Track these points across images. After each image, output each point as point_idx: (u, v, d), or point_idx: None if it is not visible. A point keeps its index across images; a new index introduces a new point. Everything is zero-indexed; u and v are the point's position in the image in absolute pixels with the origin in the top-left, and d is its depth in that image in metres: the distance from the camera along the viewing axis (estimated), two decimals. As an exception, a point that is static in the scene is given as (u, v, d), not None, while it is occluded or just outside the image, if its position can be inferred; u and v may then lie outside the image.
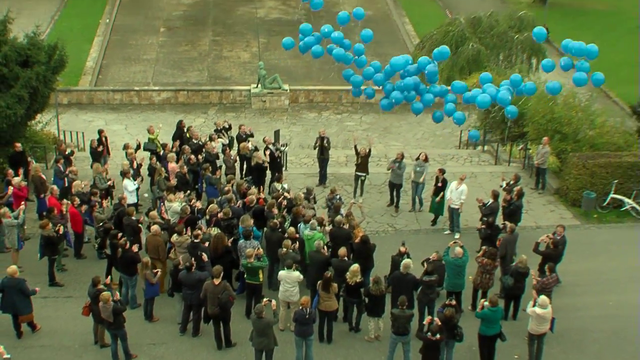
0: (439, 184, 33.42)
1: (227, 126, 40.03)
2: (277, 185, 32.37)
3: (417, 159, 35.82)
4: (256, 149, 36.12)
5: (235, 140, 39.05)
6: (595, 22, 78.47)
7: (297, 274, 25.49)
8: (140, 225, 29.20)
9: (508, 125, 43.65)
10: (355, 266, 25.01)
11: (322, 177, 38.33)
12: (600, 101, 49.42)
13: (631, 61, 57.98)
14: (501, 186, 33.24)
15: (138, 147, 37.34)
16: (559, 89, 28.40)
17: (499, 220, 30.82)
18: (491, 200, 31.18)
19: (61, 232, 28.42)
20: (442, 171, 34.11)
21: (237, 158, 36.43)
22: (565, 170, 37.66)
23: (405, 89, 28.09)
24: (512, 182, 33.26)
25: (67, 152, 36.03)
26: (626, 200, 35.36)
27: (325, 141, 37.77)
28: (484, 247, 27.55)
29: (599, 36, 66.93)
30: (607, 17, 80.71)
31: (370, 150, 35.92)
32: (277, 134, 41.12)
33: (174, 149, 36.00)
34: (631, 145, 39.33)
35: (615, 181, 35.50)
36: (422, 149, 39.86)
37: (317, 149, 38.16)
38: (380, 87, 29.51)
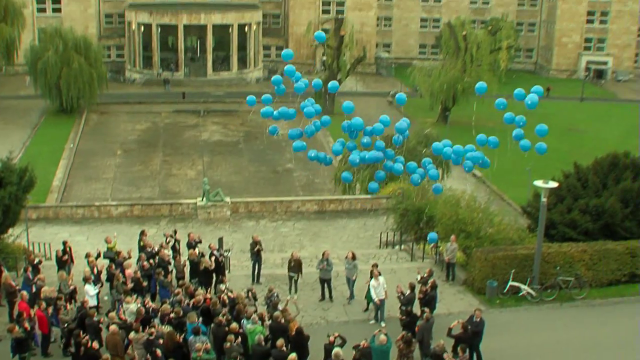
0: (375, 276, 33.36)
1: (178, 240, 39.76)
2: (222, 286, 32.00)
3: (346, 257, 35.86)
4: (203, 255, 35.80)
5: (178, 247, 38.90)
6: (489, 137, 79.57)
7: (241, 365, 25.09)
8: (100, 325, 28.62)
9: (420, 226, 43.83)
10: (293, 355, 24.58)
11: (257, 277, 38.02)
12: (496, 203, 50.13)
13: (519, 169, 58.74)
14: (417, 279, 33.17)
15: (98, 255, 37.03)
16: (440, 190, 29.26)
17: (417, 309, 30.74)
18: (409, 292, 31.13)
19: (28, 329, 27.76)
20: (376, 265, 34.05)
21: (187, 263, 35.97)
22: (470, 264, 37.76)
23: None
24: (426, 276, 33.27)
25: (35, 262, 35.39)
26: (522, 286, 35.47)
27: (258, 245, 37.61)
28: (402, 333, 27.39)
29: (492, 148, 67.81)
30: (496, 132, 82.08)
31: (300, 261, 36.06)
32: (220, 241, 41.16)
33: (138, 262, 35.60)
34: (524, 240, 39.79)
35: (513, 270, 35.59)
36: (348, 250, 39.70)
37: (252, 252, 37.92)
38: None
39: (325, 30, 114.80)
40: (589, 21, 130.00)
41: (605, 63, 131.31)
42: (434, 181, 28.26)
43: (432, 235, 29.36)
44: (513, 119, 26.04)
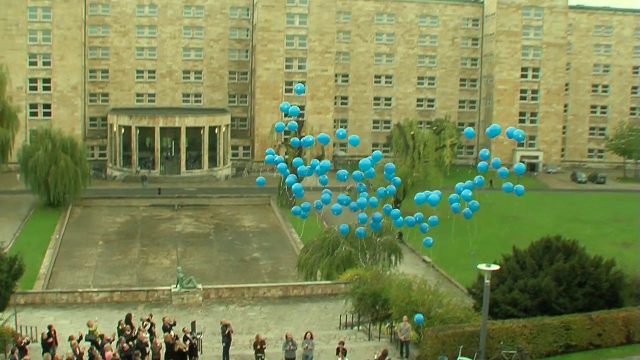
0: (340, 353, 33.09)
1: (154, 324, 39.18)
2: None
3: (305, 337, 35.57)
4: (177, 338, 35.19)
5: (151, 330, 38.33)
6: (435, 226, 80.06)
7: None
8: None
9: (376, 308, 43.55)
10: None
11: (227, 358, 37.42)
12: (445, 285, 50.12)
13: (465, 254, 58.91)
14: (374, 358, 32.84)
15: (80, 338, 36.29)
16: (431, 244, 28.94)
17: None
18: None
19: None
20: (342, 342, 34.16)
21: (162, 345, 35.31)
22: (422, 341, 37.41)
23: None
24: (381, 355, 32.98)
25: (22, 344, 34.61)
26: (462, 360, 35.29)
27: (229, 328, 37.13)
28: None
29: (442, 235, 68.08)
30: (443, 221, 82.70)
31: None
32: (193, 324, 40.69)
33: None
34: (470, 318, 39.65)
35: (461, 346, 35.32)
36: (310, 331, 39.32)
37: (222, 334, 37.41)
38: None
39: (287, 132, 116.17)
40: (521, 121, 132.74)
41: (536, 157, 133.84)
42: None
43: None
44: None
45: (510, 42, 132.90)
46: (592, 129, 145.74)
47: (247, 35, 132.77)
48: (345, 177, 26.08)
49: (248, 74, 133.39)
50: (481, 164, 26.04)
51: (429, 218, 26.92)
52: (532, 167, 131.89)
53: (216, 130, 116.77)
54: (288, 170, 26.86)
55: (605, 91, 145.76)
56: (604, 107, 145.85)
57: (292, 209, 26.96)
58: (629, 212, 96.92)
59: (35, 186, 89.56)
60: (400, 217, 27.08)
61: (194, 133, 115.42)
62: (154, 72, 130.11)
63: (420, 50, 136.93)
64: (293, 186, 26.33)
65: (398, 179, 27.91)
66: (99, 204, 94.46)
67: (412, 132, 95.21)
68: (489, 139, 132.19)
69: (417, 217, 27.03)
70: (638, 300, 41.91)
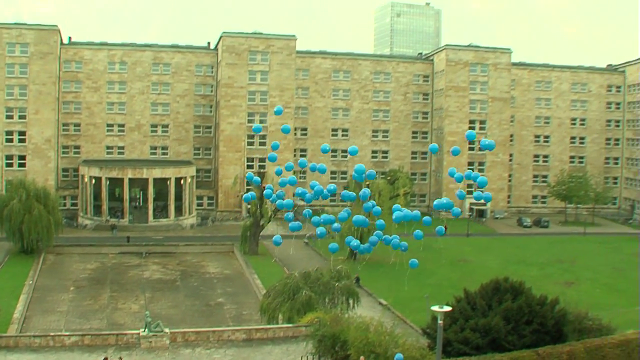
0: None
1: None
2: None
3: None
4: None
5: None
6: (391, 270, 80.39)
7: None
8: None
9: (336, 349, 43.26)
10: None
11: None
12: (400, 327, 49.95)
13: (419, 296, 59.02)
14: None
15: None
16: (416, 265, 27.52)
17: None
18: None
19: None
20: None
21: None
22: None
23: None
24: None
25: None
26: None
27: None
28: None
29: (395, 280, 68.34)
30: (398, 266, 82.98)
31: None
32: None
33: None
34: (425, 357, 39.49)
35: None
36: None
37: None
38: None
39: (249, 183, 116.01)
40: (469, 169, 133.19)
41: (484, 204, 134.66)
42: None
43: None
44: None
45: (459, 97, 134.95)
46: (535, 176, 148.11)
47: (212, 91, 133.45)
48: (301, 223, 25.67)
49: (212, 128, 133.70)
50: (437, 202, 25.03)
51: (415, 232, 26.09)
52: (480, 214, 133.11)
53: (182, 182, 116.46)
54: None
55: (547, 141, 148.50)
56: (545, 156, 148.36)
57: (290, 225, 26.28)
58: (571, 254, 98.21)
59: (10, 234, 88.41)
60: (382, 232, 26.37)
61: (161, 184, 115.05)
62: (123, 125, 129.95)
63: (374, 105, 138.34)
64: (274, 238, 26.15)
65: (373, 172, 26.99)
66: (70, 252, 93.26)
67: (367, 183, 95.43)
68: (440, 187, 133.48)
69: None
70: (581, 335, 42.23)
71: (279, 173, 29.05)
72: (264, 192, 27.04)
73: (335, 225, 25.51)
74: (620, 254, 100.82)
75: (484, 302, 41.95)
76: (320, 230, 25.90)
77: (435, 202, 25.32)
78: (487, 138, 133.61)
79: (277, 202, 25.42)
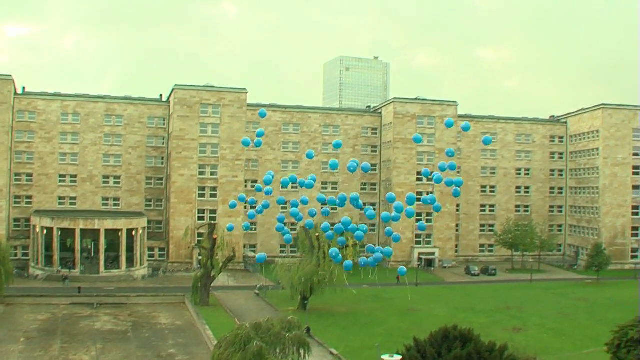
0: None
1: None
2: None
3: None
4: None
5: None
6: (341, 320, 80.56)
7: None
8: None
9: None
10: None
11: None
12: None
13: (370, 345, 59.00)
14: None
15: None
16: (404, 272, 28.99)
17: None
18: None
19: None
20: None
21: None
22: None
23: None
24: None
25: None
26: None
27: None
28: None
29: (346, 329, 68.37)
30: (348, 316, 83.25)
31: None
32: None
33: None
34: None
35: None
36: None
37: None
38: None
39: (200, 234, 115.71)
40: (418, 220, 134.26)
41: (433, 254, 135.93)
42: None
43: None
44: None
45: (406, 149, 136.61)
46: (482, 226, 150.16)
47: (163, 143, 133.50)
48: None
49: (164, 180, 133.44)
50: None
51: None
52: (429, 263, 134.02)
53: (133, 233, 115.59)
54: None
55: (493, 191, 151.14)
56: (492, 206, 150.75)
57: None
58: (519, 300, 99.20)
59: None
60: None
61: (112, 235, 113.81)
62: (75, 176, 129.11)
63: (324, 157, 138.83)
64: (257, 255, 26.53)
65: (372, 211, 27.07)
66: (21, 302, 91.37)
67: (317, 234, 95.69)
68: (389, 238, 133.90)
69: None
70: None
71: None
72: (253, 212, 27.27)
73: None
74: (566, 299, 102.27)
75: (434, 350, 42.15)
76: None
77: (388, 195, 25.65)
78: (435, 188, 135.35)
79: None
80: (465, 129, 28.07)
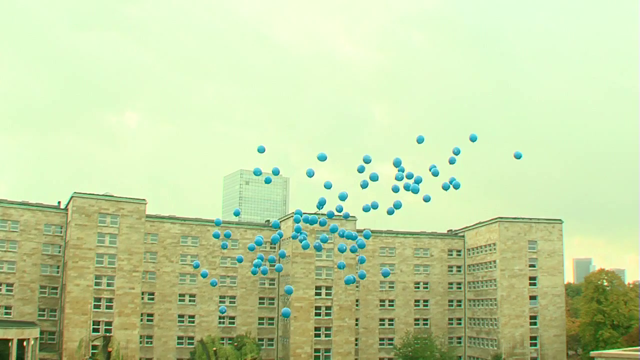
0: None
1: None
2: None
3: None
4: None
5: None
6: None
7: None
8: None
9: None
10: None
11: None
12: None
13: None
14: None
15: None
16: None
17: None
18: None
19: None
20: None
21: None
22: None
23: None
24: None
25: None
26: None
27: None
28: None
29: None
30: None
31: None
32: None
33: None
34: None
35: None
36: None
37: None
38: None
39: (95, 347, 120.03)
40: (317, 335, 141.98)
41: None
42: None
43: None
44: None
45: (305, 263, 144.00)
46: (381, 339, 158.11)
47: (60, 252, 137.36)
48: None
49: (59, 289, 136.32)
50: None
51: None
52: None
53: (25, 343, 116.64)
54: None
55: (392, 305, 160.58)
56: (391, 320, 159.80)
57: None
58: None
59: None
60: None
61: (2, 345, 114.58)
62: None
63: (222, 271, 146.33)
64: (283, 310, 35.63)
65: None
66: None
67: (214, 348, 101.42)
68: (287, 353, 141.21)
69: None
70: None
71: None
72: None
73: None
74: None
75: None
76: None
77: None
78: (333, 303, 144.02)
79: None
80: (473, 139, 35.53)
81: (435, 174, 35.94)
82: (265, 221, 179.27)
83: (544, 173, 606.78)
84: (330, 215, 35.21)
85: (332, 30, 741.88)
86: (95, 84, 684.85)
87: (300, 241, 36.35)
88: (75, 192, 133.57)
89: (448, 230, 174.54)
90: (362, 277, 37.32)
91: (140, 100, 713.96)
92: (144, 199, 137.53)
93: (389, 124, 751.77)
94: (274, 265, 40.76)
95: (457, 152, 35.91)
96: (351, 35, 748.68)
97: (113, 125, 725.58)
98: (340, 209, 35.78)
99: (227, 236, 39.25)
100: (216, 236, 38.96)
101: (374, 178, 37.55)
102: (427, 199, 36.03)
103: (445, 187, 36.26)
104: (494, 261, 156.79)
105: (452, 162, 36.26)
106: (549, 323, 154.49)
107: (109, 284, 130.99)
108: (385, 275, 36.41)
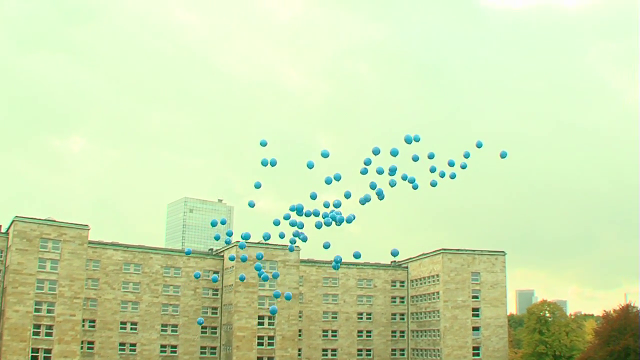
0: None
1: None
2: None
3: None
4: None
5: None
6: None
7: None
8: None
9: None
10: None
11: None
12: None
13: None
14: None
15: None
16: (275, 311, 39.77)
17: None
18: None
19: None
20: None
21: None
22: None
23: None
24: None
25: None
26: None
27: None
28: None
29: None
30: None
31: None
32: None
33: None
34: None
35: None
36: None
37: None
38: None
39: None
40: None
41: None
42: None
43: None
44: None
45: (248, 293, 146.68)
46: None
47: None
48: None
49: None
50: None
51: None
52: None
53: None
54: None
55: (335, 336, 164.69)
56: (334, 350, 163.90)
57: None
58: None
59: None
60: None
61: None
62: None
63: (164, 299, 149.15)
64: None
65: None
66: None
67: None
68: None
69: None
70: None
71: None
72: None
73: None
74: None
75: None
76: None
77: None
78: (276, 333, 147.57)
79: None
80: (479, 145, 38.44)
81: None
82: (209, 250, 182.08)
83: (488, 205, 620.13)
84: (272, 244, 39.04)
85: (280, 59, 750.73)
86: (42, 107, 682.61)
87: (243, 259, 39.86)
88: (16, 216, 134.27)
89: (392, 262, 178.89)
90: (287, 298, 41.24)
91: (86, 125, 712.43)
92: (86, 225, 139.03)
93: (334, 154, 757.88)
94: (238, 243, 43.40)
95: (433, 170, 38.96)
96: (298, 65, 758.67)
97: (58, 148, 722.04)
98: (338, 204, 38.68)
99: (229, 234, 42.55)
100: (217, 238, 42.34)
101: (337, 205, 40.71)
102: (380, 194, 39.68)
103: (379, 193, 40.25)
104: (437, 292, 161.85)
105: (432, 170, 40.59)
106: (491, 354, 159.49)
107: (49, 311, 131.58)
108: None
